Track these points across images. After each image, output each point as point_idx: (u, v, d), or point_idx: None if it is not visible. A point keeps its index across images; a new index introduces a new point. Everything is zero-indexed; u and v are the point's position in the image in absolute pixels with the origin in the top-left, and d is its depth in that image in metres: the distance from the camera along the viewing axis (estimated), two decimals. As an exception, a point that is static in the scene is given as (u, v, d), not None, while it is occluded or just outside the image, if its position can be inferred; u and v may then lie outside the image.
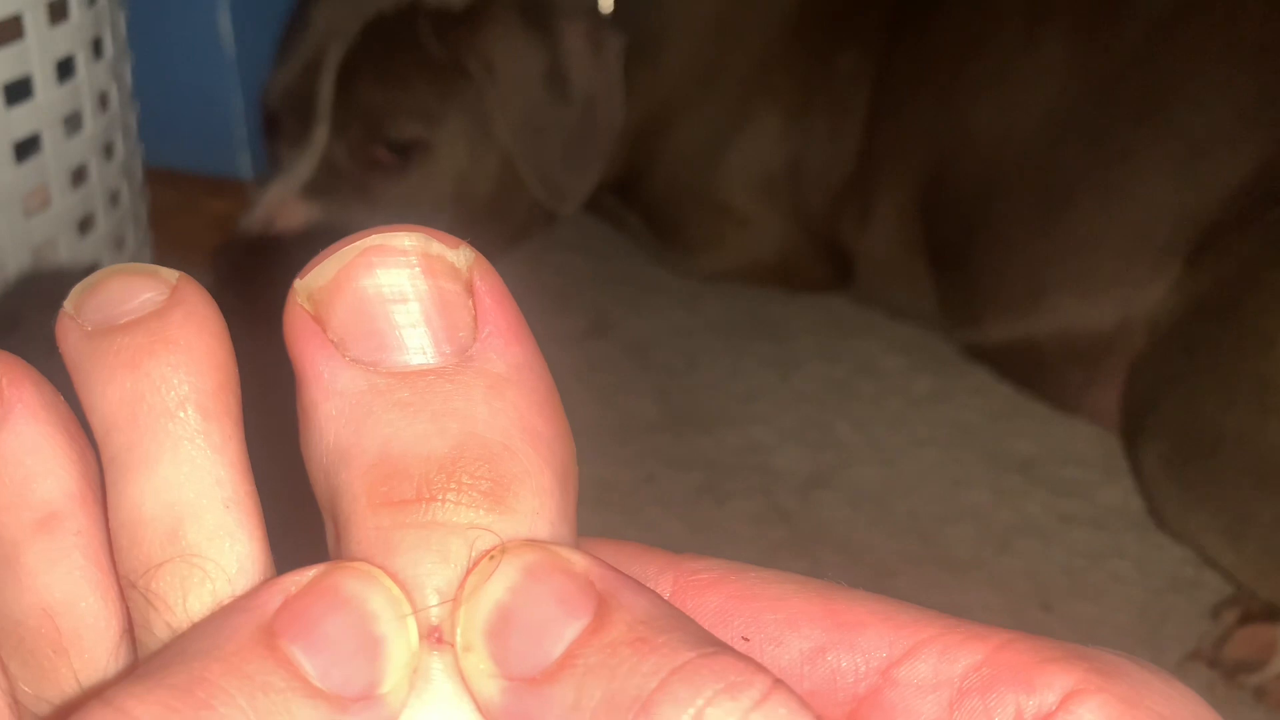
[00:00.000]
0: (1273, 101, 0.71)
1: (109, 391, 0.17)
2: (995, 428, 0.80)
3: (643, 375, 0.85)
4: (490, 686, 0.15)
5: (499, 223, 0.90)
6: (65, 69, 0.64)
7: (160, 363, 0.17)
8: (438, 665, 0.15)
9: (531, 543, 0.15)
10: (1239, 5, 0.74)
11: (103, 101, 0.69)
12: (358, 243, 0.17)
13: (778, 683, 0.14)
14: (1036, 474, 0.76)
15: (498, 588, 0.15)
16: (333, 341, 0.16)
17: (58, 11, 0.63)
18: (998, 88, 0.80)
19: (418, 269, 0.16)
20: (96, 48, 0.67)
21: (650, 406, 0.81)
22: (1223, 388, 0.66)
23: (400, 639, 0.15)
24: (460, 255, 0.17)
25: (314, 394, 0.17)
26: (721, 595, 0.17)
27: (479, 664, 0.15)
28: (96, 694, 0.14)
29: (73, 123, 0.67)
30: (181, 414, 0.17)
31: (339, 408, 0.16)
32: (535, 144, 0.86)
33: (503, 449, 0.16)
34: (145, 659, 0.16)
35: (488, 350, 0.16)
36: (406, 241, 0.17)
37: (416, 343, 0.16)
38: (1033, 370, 0.81)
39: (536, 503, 0.16)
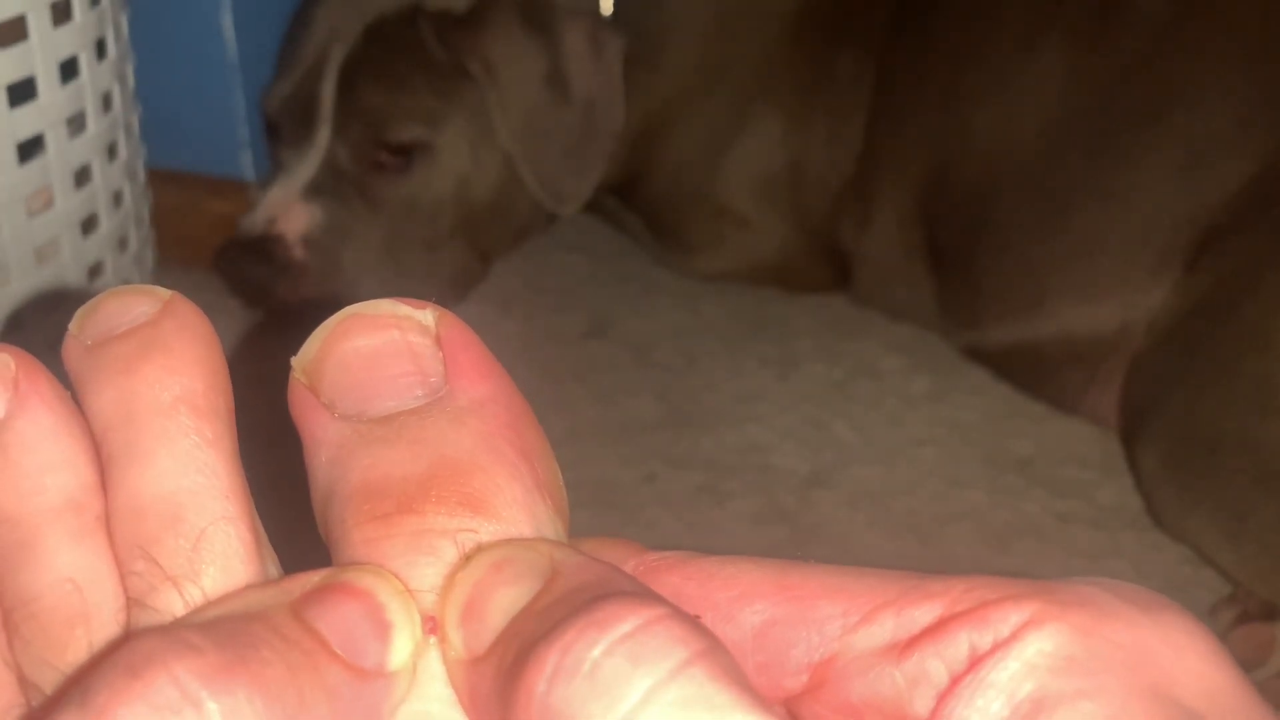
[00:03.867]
0: (1271, 105, 0.71)
1: (106, 394, 0.18)
2: (994, 428, 0.80)
3: (643, 375, 0.85)
4: (459, 672, 0.16)
5: (500, 223, 0.90)
6: (68, 70, 0.65)
7: (153, 365, 0.18)
8: (436, 654, 0.17)
9: (507, 540, 0.17)
10: (1237, 9, 0.74)
11: (105, 102, 0.69)
12: (337, 315, 0.18)
13: (663, 617, 0.14)
14: (1035, 474, 0.76)
15: (467, 582, 0.16)
16: (324, 405, 0.18)
17: (61, 13, 0.63)
18: (998, 91, 0.81)
19: (392, 330, 0.18)
20: (99, 49, 0.68)
21: (650, 406, 0.81)
22: (1222, 388, 0.66)
23: (406, 626, 0.16)
24: (427, 315, 0.18)
25: (310, 450, 0.18)
26: (678, 576, 0.18)
27: (451, 653, 0.16)
28: (142, 636, 0.15)
29: (76, 123, 0.67)
30: (175, 412, 0.18)
31: (329, 455, 0.18)
32: (536, 145, 0.86)
33: (472, 467, 0.17)
34: (182, 617, 0.17)
35: (456, 390, 0.18)
36: (379, 309, 0.18)
37: (394, 390, 0.18)
38: (1033, 372, 0.81)
39: (510, 513, 0.17)
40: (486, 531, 0.17)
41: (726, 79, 0.90)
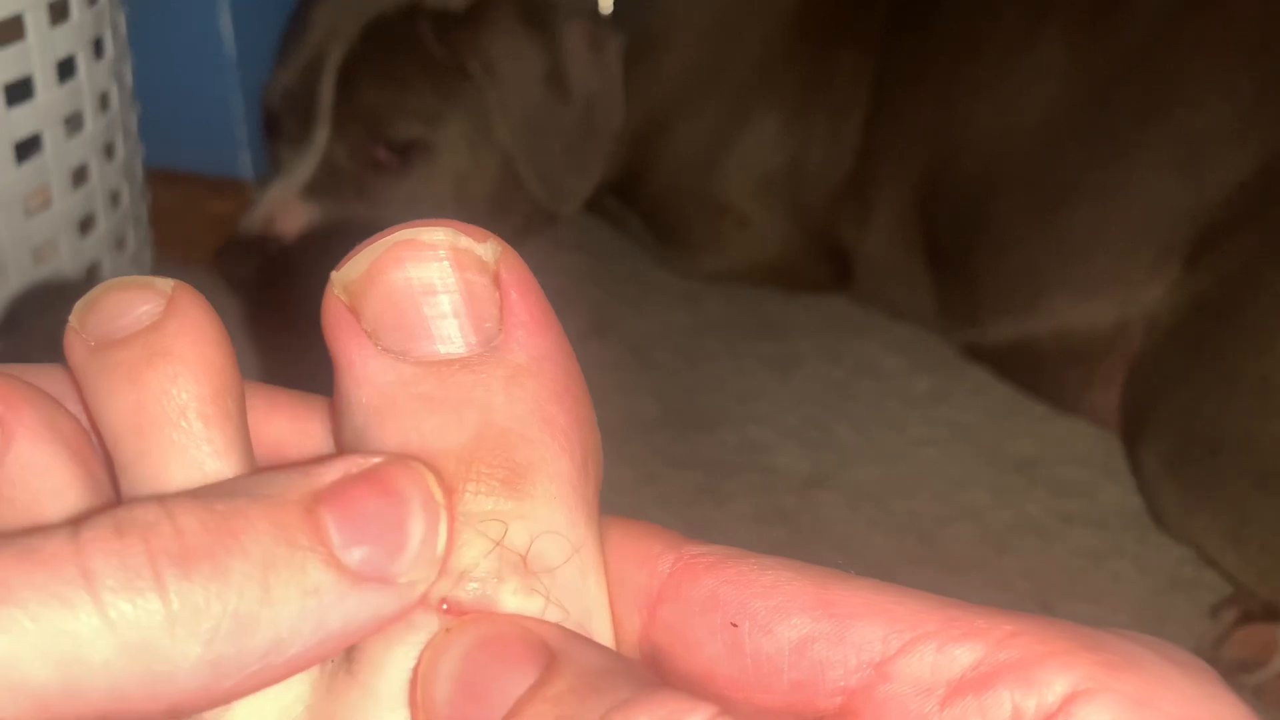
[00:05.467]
0: (1271, 101, 0.71)
1: (113, 404, 0.18)
2: (995, 428, 0.80)
3: (643, 375, 0.85)
4: None
5: (499, 223, 0.90)
6: (66, 69, 0.65)
7: (158, 374, 0.18)
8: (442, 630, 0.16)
9: (486, 616, 0.16)
10: (1237, 5, 0.74)
11: (103, 102, 0.69)
12: (390, 237, 0.17)
13: (720, 714, 0.14)
14: (1036, 474, 0.76)
15: (455, 657, 0.16)
16: (366, 331, 0.17)
17: (58, 12, 0.63)
18: (997, 88, 0.80)
19: (446, 263, 0.17)
20: (97, 48, 0.67)
21: (650, 406, 0.81)
22: (1223, 388, 0.66)
23: (426, 535, 0.16)
24: (488, 249, 0.17)
25: (347, 381, 0.17)
26: (716, 579, 0.17)
27: None
28: (149, 497, 0.15)
29: (73, 123, 0.67)
30: (183, 423, 0.18)
31: (368, 396, 0.17)
32: (535, 144, 0.86)
33: (518, 437, 0.17)
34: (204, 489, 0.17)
35: (511, 341, 0.17)
36: (436, 236, 0.17)
37: (444, 333, 0.17)
38: (1032, 370, 0.81)
39: (553, 488, 0.17)
40: (521, 511, 0.16)
41: (726, 78, 0.90)
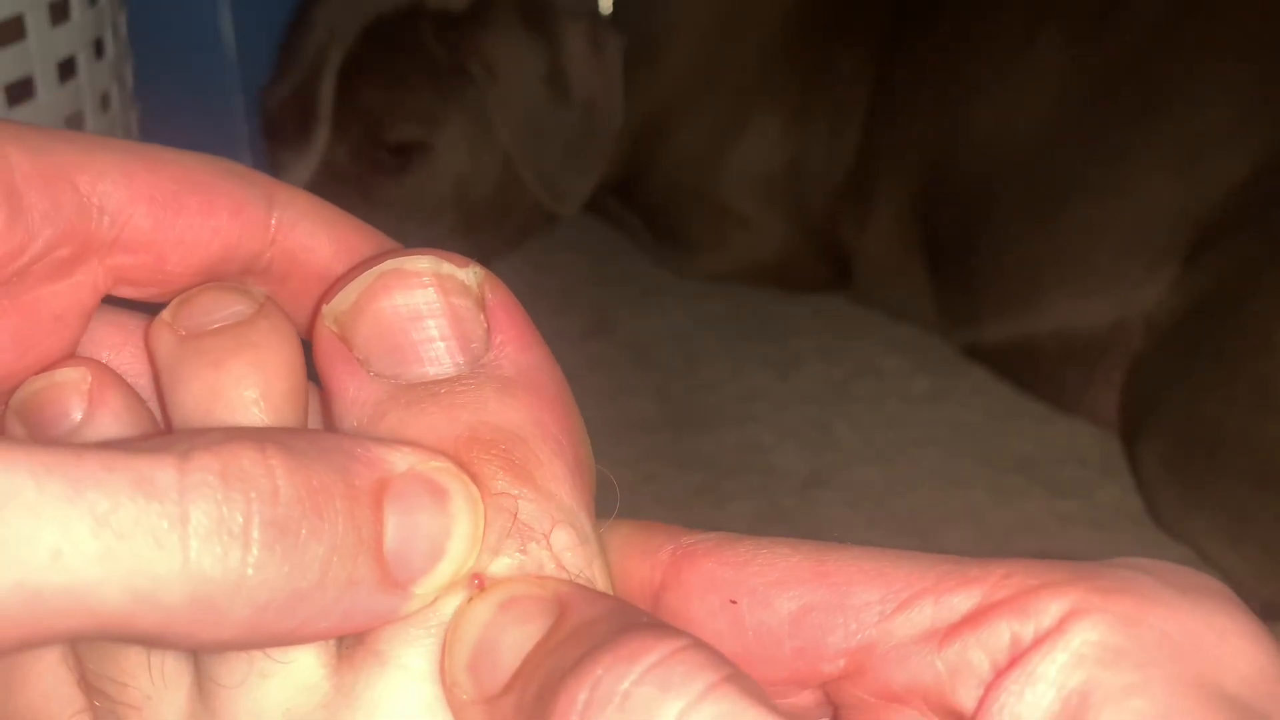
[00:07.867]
0: (1271, 100, 0.71)
1: (192, 387, 0.18)
2: (994, 427, 0.80)
3: (643, 375, 0.85)
4: (472, 713, 0.16)
5: (500, 224, 0.90)
6: (66, 69, 0.65)
7: (242, 361, 0.18)
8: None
9: (511, 580, 0.17)
10: (1237, 4, 0.74)
11: (104, 102, 0.69)
12: (376, 268, 0.18)
13: (686, 647, 0.14)
14: (1035, 474, 0.76)
15: (475, 625, 0.16)
16: (358, 360, 0.18)
17: (59, 12, 0.63)
18: (996, 88, 0.80)
19: (431, 289, 0.18)
20: (98, 48, 0.68)
21: (650, 406, 0.81)
22: (1223, 388, 0.66)
23: (457, 560, 0.16)
24: (470, 274, 0.18)
25: (340, 408, 0.18)
26: (713, 562, 0.18)
27: (462, 695, 0.16)
28: (248, 434, 0.15)
29: (74, 123, 0.67)
30: (254, 410, 0.18)
31: (359, 418, 0.18)
32: (535, 145, 0.86)
33: (513, 437, 0.17)
34: (292, 430, 0.18)
35: (500, 358, 0.18)
36: (420, 264, 0.18)
37: (433, 356, 0.18)
38: (1031, 370, 0.81)
39: (552, 487, 0.17)
40: (529, 499, 0.17)
41: (726, 78, 0.90)
